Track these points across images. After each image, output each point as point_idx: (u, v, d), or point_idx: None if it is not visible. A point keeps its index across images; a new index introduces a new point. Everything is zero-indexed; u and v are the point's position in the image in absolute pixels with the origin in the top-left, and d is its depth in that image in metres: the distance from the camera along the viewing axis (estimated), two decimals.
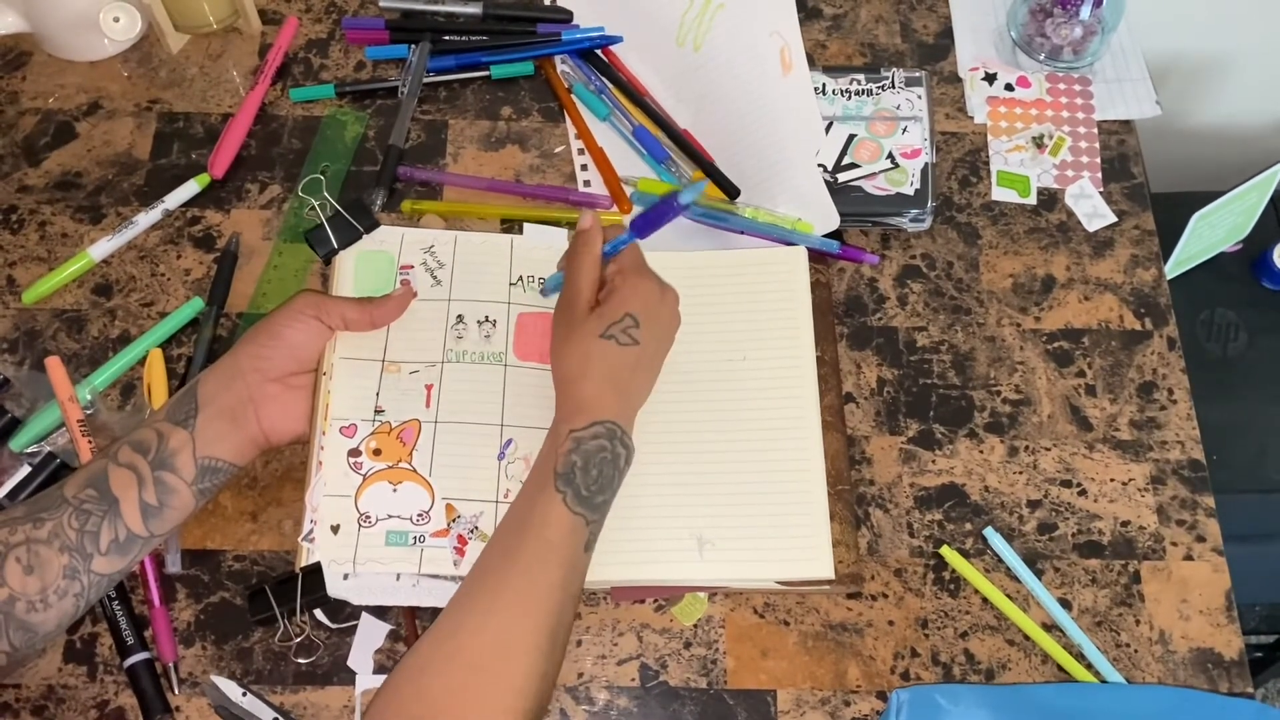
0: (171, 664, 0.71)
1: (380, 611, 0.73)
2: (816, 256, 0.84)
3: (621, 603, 0.74)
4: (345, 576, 0.69)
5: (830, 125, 0.89)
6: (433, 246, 0.79)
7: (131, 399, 0.80)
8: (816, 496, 0.73)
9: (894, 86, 0.91)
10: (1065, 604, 0.75)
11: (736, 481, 0.74)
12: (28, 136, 0.90)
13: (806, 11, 0.97)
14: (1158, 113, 0.93)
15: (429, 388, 0.74)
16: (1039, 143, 0.91)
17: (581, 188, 0.88)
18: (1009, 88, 0.94)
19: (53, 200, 0.87)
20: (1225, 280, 1.07)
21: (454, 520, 0.70)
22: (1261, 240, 1.06)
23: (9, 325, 0.82)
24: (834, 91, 0.91)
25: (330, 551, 0.69)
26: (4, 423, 0.77)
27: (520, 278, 0.79)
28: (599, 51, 0.93)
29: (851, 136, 0.88)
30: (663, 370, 0.76)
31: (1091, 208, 0.89)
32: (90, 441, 0.75)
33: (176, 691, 0.71)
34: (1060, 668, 0.73)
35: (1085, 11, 0.92)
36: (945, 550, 0.76)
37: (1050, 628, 0.74)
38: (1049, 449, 0.80)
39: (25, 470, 0.75)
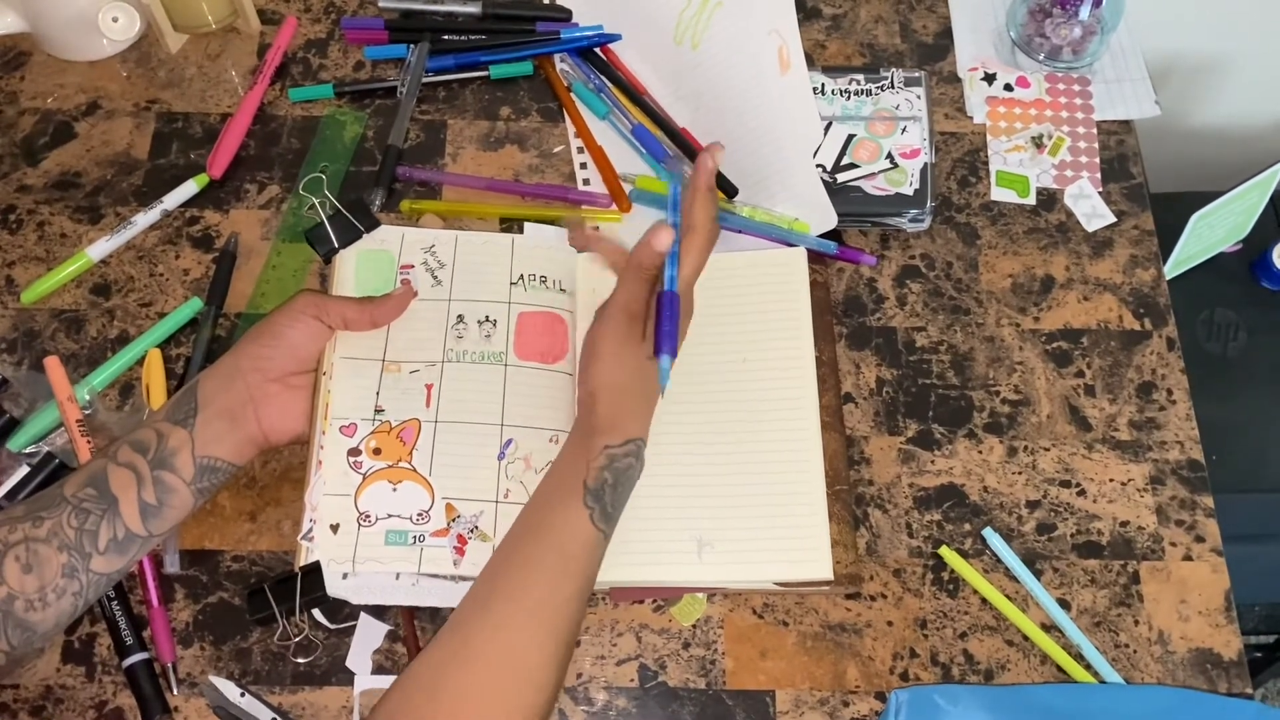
0: (170, 664, 0.71)
1: (379, 612, 0.73)
2: (815, 257, 0.84)
3: (620, 603, 0.74)
4: (344, 576, 0.69)
5: (829, 125, 0.89)
6: (433, 246, 0.79)
7: (130, 399, 0.80)
8: (815, 497, 0.73)
9: (893, 86, 0.91)
10: (1064, 604, 0.75)
11: (735, 482, 0.74)
12: (27, 136, 0.90)
13: (806, 11, 0.97)
14: (1157, 113, 0.93)
15: (429, 387, 0.74)
16: (1038, 143, 0.91)
17: (581, 186, 0.88)
18: (1008, 88, 0.94)
19: (51, 200, 0.87)
20: (1225, 280, 1.07)
21: (454, 520, 0.70)
22: (1261, 240, 1.06)
23: (8, 325, 0.82)
24: (833, 91, 0.91)
25: (329, 551, 0.69)
26: (3, 423, 0.77)
27: (521, 277, 0.79)
28: (598, 50, 0.93)
29: (851, 136, 0.88)
30: None
31: (1091, 208, 0.89)
32: (89, 441, 0.75)
33: (175, 692, 0.71)
34: (1059, 668, 0.73)
35: (1084, 11, 0.92)
36: (944, 551, 0.76)
37: (1049, 628, 0.74)
38: (1048, 449, 0.80)
39: (24, 470, 0.75)
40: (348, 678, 0.71)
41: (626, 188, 0.87)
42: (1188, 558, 0.77)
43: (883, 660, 0.73)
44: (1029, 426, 0.81)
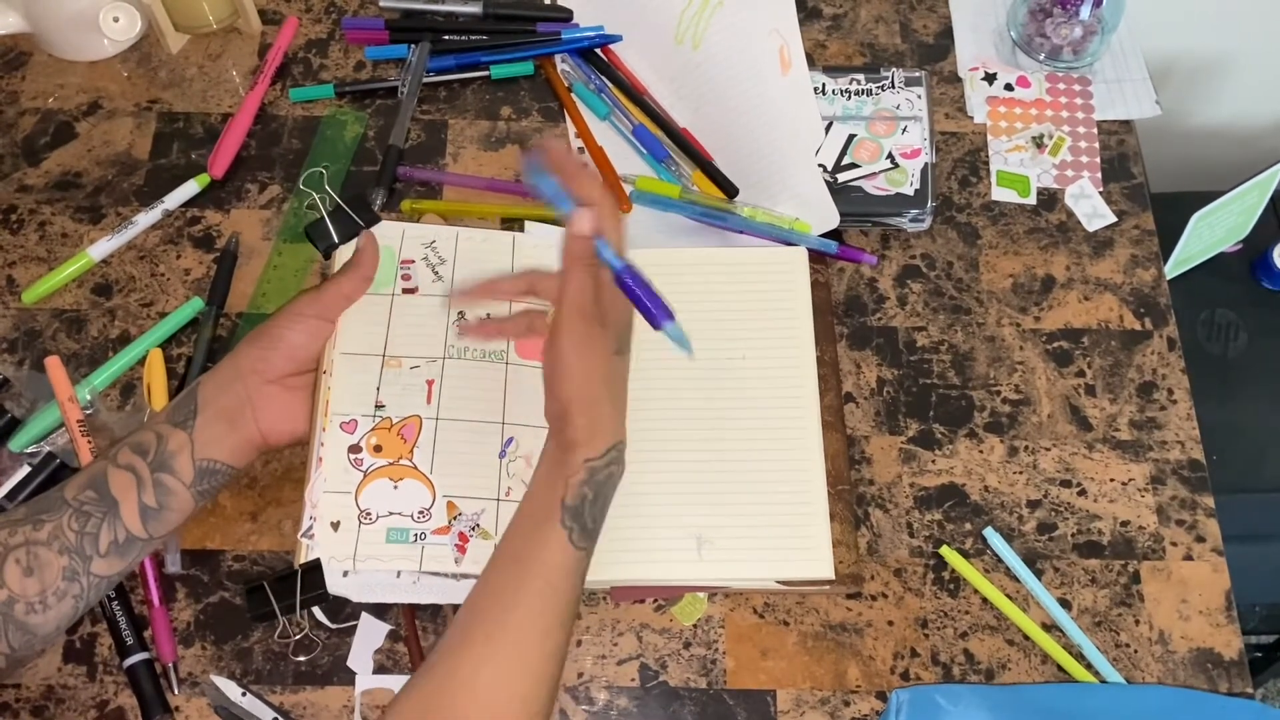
0: (171, 664, 0.71)
1: (380, 611, 0.73)
2: (816, 256, 0.84)
3: (621, 603, 0.74)
4: (345, 573, 0.69)
5: (830, 125, 0.89)
6: (434, 242, 0.79)
7: (131, 399, 0.80)
8: (816, 496, 0.73)
9: (894, 86, 0.91)
10: (1065, 604, 0.75)
11: (736, 481, 0.74)
12: (27, 136, 0.90)
13: (806, 11, 0.97)
14: (1157, 113, 0.93)
15: (430, 383, 0.74)
16: (1039, 143, 0.91)
17: None
18: (1009, 88, 0.94)
19: (52, 200, 0.87)
20: (1225, 280, 1.07)
21: (455, 518, 0.70)
22: (1261, 240, 1.06)
23: (9, 325, 0.82)
24: (834, 91, 0.91)
25: (330, 548, 0.69)
26: (4, 423, 0.77)
27: None
28: (598, 50, 0.93)
29: (851, 136, 0.88)
30: (663, 368, 0.76)
31: (1091, 208, 0.89)
32: (90, 441, 0.75)
33: (176, 691, 0.71)
34: (1060, 668, 0.73)
35: (1085, 11, 0.92)
36: (945, 550, 0.76)
37: (1050, 628, 0.74)
38: (1049, 449, 0.80)
39: (25, 470, 0.75)
40: (349, 677, 0.71)
41: (627, 188, 0.87)
42: (1188, 557, 0.77)
43: (884, 660, 0.73)
44: (1030, 426, 0.81)
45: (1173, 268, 0.96)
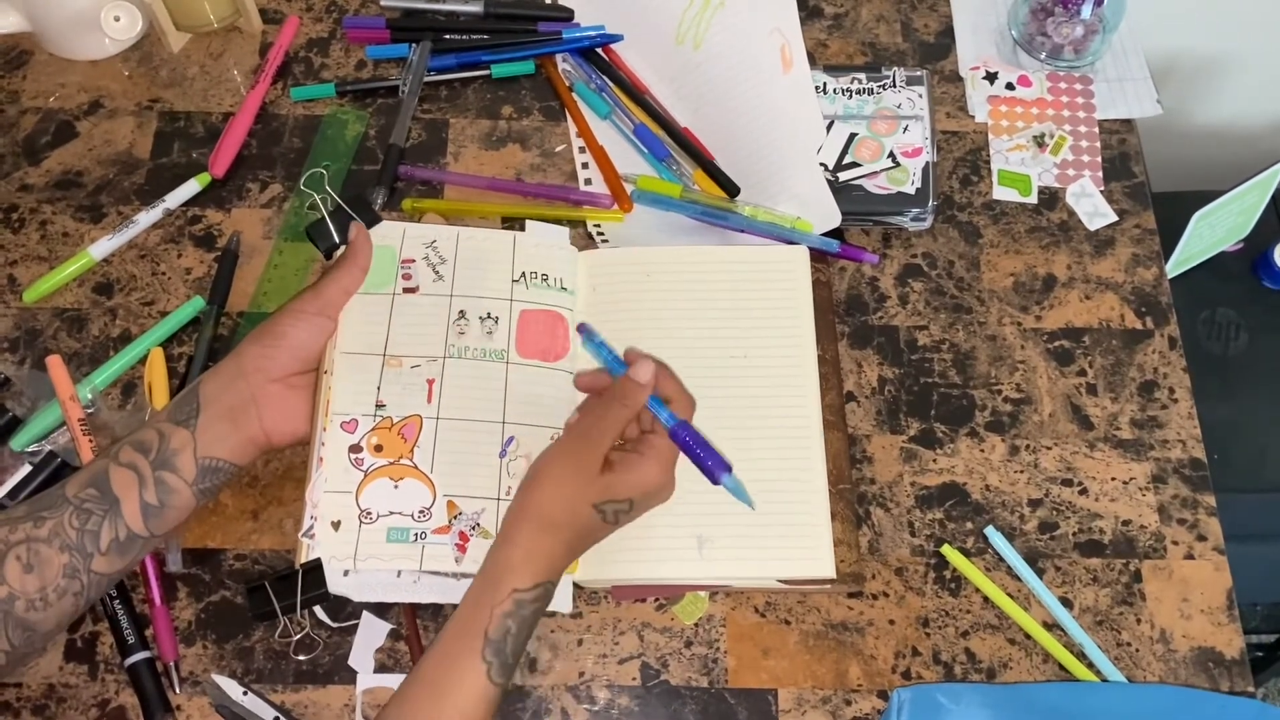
0: (172, 663, 0.71)
1: (381, 611, 0.73)
2: (817, 255, 0.84)
3: (622, 602, 0.74)
4: (345, 573, 0.69)
5: (831, 124, 0.89)
6: (435, 242, 0.79)
7: (132, 398, 0.80)
8: (817, 495, 0.73)
9: (895, 85, 0.91)
10: (1066, 603, 0.75)
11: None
12: (28, 135, 0.90)
13: (808, 11, 0.97)
14: (1159, 112, 0.93)
15: (430, 383, 0.74)
16: (1040, 142, 0.91)
17: (582, 186, 0.88)
18: (1010, 87, 0.94)
19: (53, 199, 0.87)
20: (1226, 279, 1.07)
21: (455, 517, 0.70)
22: (1262, 240, 1.06)
23: (10, 324, 0.82)
24: (835, 90, 0.91)
25: (331, 548, 0.69)
26: (5, 422, 0.77)
27: (523, 274, 0.79)
28: (599, 50, 0.93)
29: (853, 135, 0.88)
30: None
31: (1092, 207, 0.89)
32: (91, 440, 0.75)
33: (177, 690, 0.71)
34: (1061, 667, 0.73)
35: (1086, 10, 0.92)
36: (946, 549, 0.76)
37: (1051, 627, 0.74)
38: (1050, 448, 0.80)
39: (26, 469, 0.75)
40: (350, 676, 0.71)
41: (628, 187, 0.87)
42: (1189, 556, 0.77)
43: (885, 659, 0.73)
44: (1031, 425, 0.81)
45: (1174, 267, 0.96)
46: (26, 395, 0.79)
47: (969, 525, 0.77)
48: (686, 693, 0.72)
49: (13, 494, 0.74)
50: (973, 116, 0.93)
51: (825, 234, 0.85)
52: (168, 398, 0.79)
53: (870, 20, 0.97)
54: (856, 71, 0.92)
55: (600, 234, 0.86)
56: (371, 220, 0.78)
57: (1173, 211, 0.93)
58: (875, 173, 0.87)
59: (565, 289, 0.79)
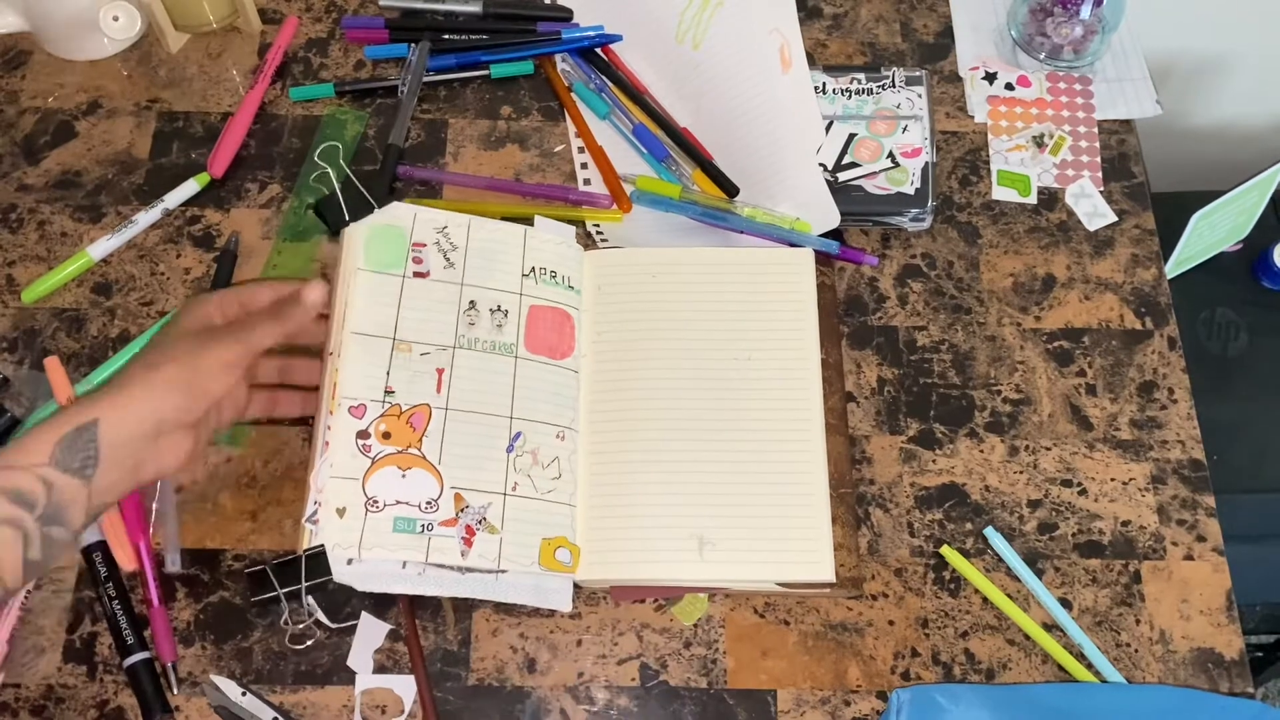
0: (170, 664, 0.71)
1: (380, 611, 0.73)
2: (820, 258, 0.84)
3: (621, 602, 0.74)
4: (349, 561, 0.68)
5: (830, 124, 0.89)
6: (446, 227, 0.78)
7: None
8: (818, 499, 0.73)
9: (894, 86, 0.91)
10: (1066, 604, 0.75)
11: (738, 482, 0.74)
12: (27, 136, 0.90)
13: (807, 11, 0.97)
14: (1158, 112, 0.93)
15: (440, 371, 0.73)
16: (1039, 142, 0.91)
17: (581, 186, 0.88)
18: (1009, 87, 0.94)
19: (52, 199, 0.87)
20: (1225, 280, 1.07)
21: (462, 510, 0.70)
22: (1261, 240, 1.06)
23: (8, 324, 0.82)
24: (834, 91, 0.91)
25: (335, 535, 0.68)
26: (4, 422, 0.77)
27: (533, 269, 0.78)
28: (599, 50, 0.93)
29: (852, 136, 0.88)
30: (666, 366, 0.77)
31: (1092, 207, 0.89)
32: None
33: (176, 691, 0.70)
34: (1061, 667, 0.73)
35: (1086, 11, 0.92)
36: (945, 550, 0.76)
37: (1051, 627, 0.74)
38: (1049, 448, 0.80)
39: None
40: (349, 677, 0.71)
41: (627, 188, 0.87)
42: (1189, 557, 0.77)
43: (884, 660, 0.73)
44: (1030, 426, 0.81)
45: (1173, 267, 0.96)
46: (25, 396, 0.79)
47: (968, 526, 0.77)
48: (685, 693, 0.72)
49: None
50: (972, 117, 0.93)
51: (824, 234, 0.85)
52: None
53: (869, 20, 0.97)
54: (856, 72, 0.92)
55: (600, 234, 0.86)
56: (383, 200, 0.76)
57: (1172, 212, 0.93)
58: (874, 173, 0.87)
59: (573, 287, 0.79)
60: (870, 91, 0.90)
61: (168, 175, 0.88)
